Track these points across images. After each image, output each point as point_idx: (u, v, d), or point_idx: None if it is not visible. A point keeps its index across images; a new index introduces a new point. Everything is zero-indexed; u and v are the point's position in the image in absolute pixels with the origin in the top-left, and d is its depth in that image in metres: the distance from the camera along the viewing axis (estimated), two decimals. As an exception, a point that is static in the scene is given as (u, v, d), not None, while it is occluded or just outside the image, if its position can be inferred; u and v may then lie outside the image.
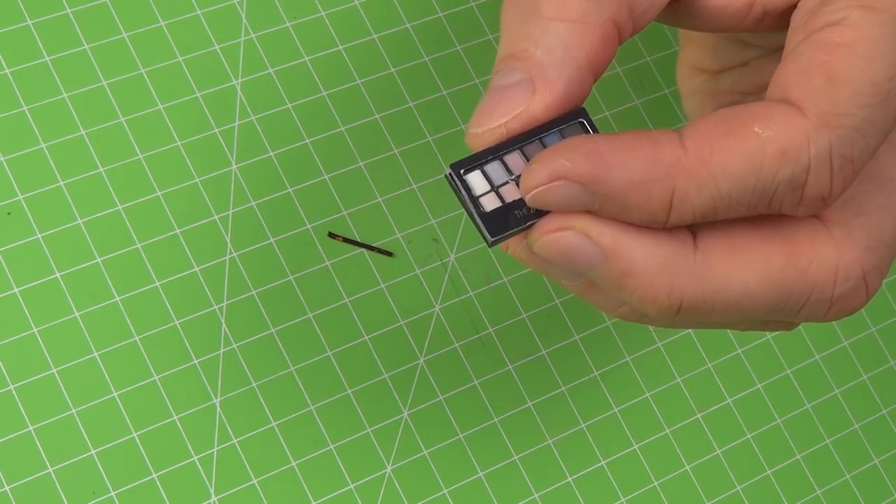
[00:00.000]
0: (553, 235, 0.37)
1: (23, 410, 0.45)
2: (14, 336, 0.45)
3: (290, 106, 0.51)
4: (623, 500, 0.49)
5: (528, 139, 0.39)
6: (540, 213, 0.37)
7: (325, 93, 0.51)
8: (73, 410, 0.45)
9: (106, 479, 0.45)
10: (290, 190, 0.50)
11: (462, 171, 0.38)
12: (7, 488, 0.44)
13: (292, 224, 0.49)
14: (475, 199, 0.38)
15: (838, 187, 0.36)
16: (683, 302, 0.37)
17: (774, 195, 0.36)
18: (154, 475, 0.45)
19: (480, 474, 0.48)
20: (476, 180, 0.38)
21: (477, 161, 0.38)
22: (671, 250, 0.37)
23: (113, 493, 0.44)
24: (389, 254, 0.49)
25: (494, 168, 0.38)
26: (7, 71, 0.48)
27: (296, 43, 0.52)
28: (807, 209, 0.37)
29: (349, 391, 0.47)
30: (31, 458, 0.44)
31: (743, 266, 0.37)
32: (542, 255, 0.37)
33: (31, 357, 0.45)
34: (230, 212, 0.49)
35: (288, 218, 0.49)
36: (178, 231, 0.48)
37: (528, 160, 0.38)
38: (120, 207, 0.48)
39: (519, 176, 0.38)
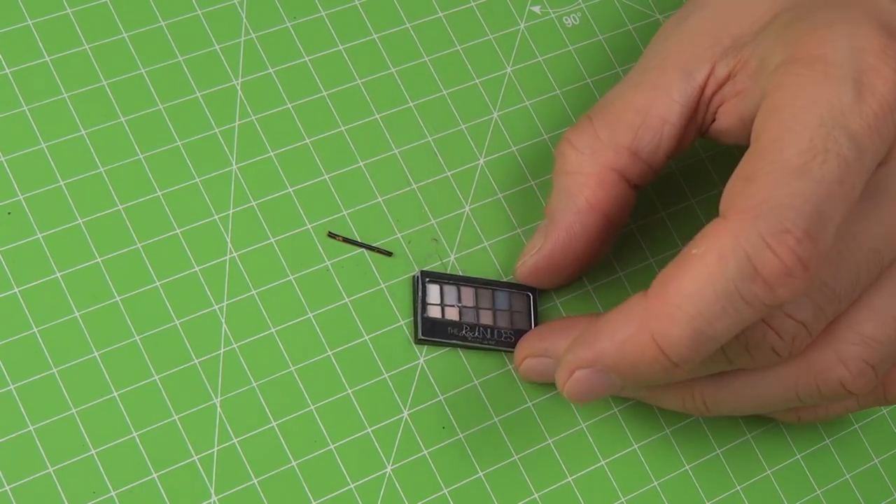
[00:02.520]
0: (576, 380, 0.44)
1: (23, 410, 0.45)
2: (14, 336, 0.45)
3: (290, 106, 0.51)
4: (623, 500, 0.49)
5: (488, 286, 0.49)
6: (465, 340, 0.48)
7: (325, 93, 0.51)
8: (73, 410, 0.45)
9: (106, 479, 0.45)
10: (290, 190, 0.50)
11: (427, 280, 0.48)
12: (7, 488, 0.44)
13: (292, 224, 0.49)
14: (425, 303, 0.48)
15: (789, 258, 0.40)
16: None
17: (740, 293, 0.40)
18: (154, 475, 0.45)
19: (480, 474, 0.48)
20: (433, 290, 0.48)
21: (440, 279, 0.48)
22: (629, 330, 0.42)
23: (113, 493, 0.44)
24: (389, 254, 0.49)
25: (450, 290, 0.48)
26: (7, 71, 0.48)
27: (296, 43, 0.52)
28: (780, 289, 0.40)
29: (349, 391, 0.47)
30: (31, 458, 0.44)
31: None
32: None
33: (31, 357, 0.45)
34: (230, 212, 0.49)
35: (288, 218, 0.49)
36: (178, 231, 0.48)
37: (476, 298, 0.49)
38: (120, 207, 0.48)
39: (463, 305, 0.48)
